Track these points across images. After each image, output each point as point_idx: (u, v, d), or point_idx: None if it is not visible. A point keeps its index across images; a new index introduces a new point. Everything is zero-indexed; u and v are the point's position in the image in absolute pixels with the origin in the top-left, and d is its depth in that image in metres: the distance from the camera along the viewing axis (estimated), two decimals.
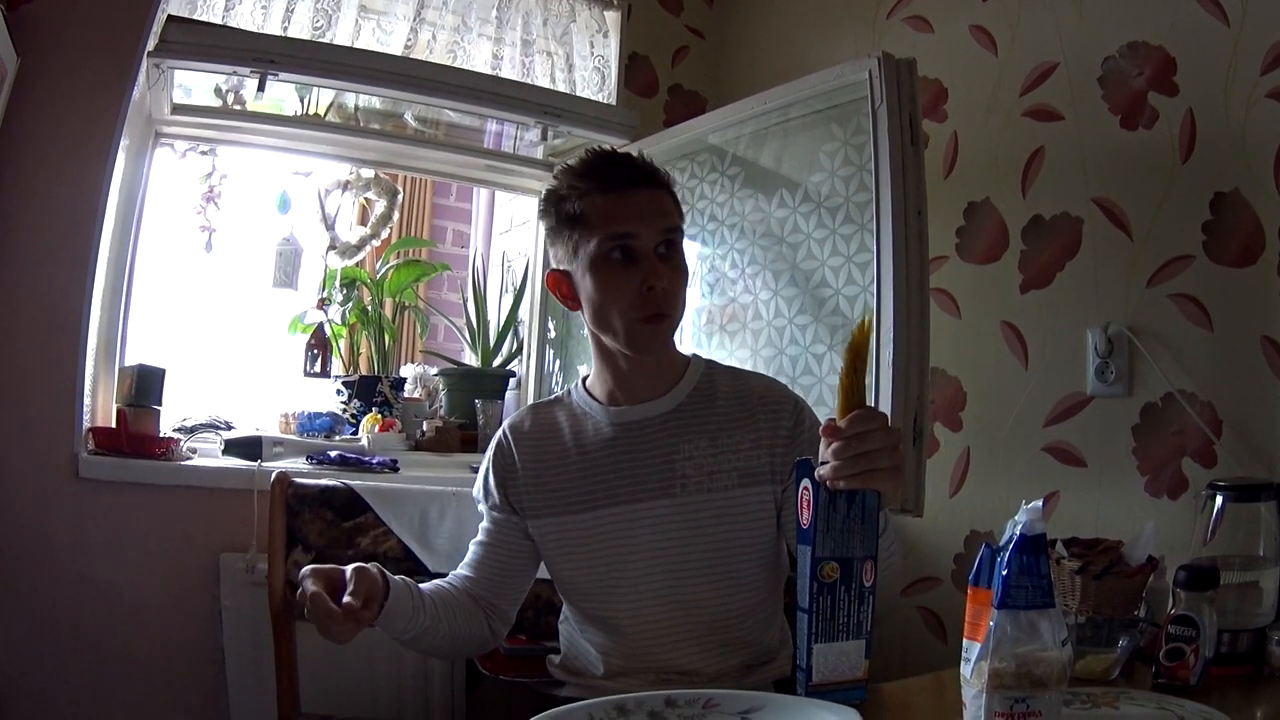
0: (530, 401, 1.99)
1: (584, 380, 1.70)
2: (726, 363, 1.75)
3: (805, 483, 1.26)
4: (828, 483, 1.22)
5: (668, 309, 1.53)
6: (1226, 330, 2.02)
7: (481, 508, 1.71)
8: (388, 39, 2.80)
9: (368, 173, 3.32)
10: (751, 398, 1.64)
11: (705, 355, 1.75)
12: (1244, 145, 1.99)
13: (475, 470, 2.60)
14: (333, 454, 2.56)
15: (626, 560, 1.55)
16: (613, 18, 3.17)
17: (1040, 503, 1.05)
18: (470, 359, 3.40)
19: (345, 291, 3.24)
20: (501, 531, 1.66)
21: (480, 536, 1.69)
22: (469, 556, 1.69)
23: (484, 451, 2.86)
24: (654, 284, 1.49)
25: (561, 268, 1.59)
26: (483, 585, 1.65)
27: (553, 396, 1.76)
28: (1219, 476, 1.82)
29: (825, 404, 2.24)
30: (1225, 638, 1.49)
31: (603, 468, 1.59)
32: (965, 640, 1.07)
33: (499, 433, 1.71)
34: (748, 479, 1.57)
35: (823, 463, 1.23)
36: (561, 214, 1.55)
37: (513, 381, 3.22)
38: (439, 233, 4.26)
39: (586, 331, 1.63)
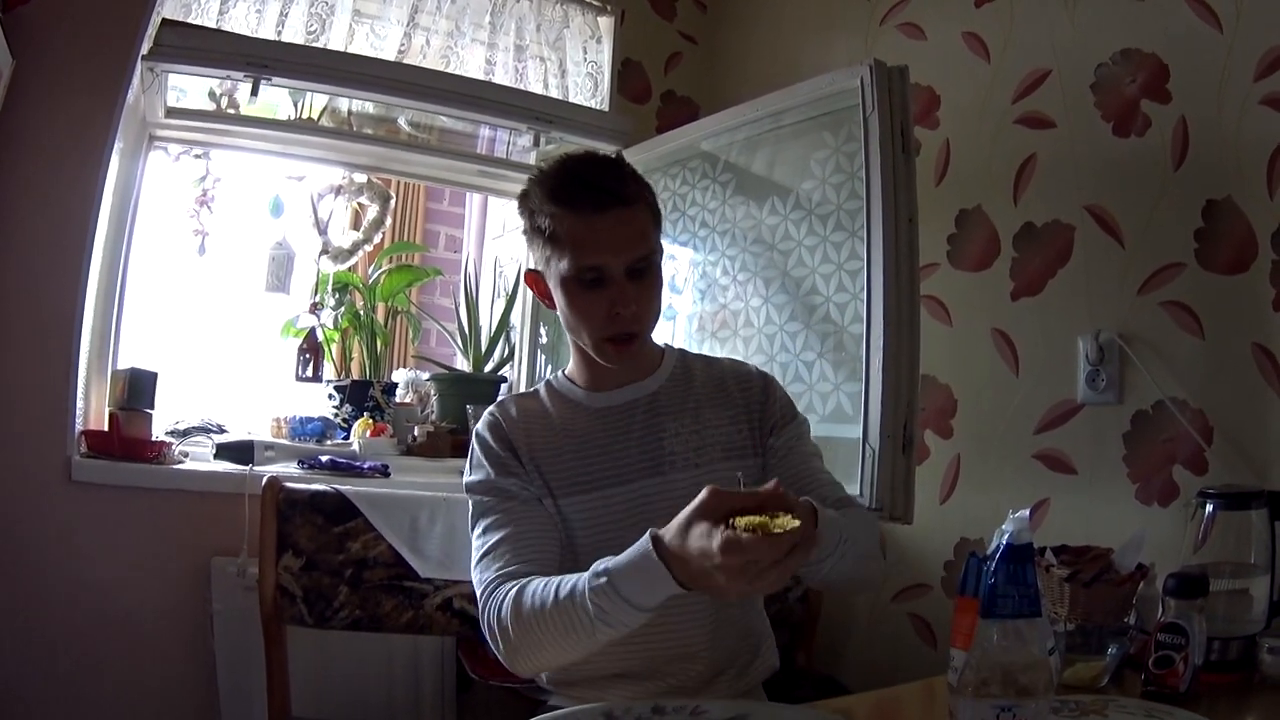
0: None
1: (562, 371, 1.70)
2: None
3: None
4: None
5: (635, 329, 1.54)
6: (1218, 338, 2.02)
7: (476, 499, 1.56)
8: (381, 44, 2.81)
9: (360, 177, 3.31)
10: (725, 377, 1.68)
11: None
12: (1237, 152, 1.99)
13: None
14: (324, 459, 2.56)
15: (616, 542, 1.51)
16: (606, 23, 3.17)
17: (1027, 512, 1.05)
18: (462, 364, 3.40)
19: (337, 296, 3.24)
20: (532, 503, 1.53)
21: (507, 529, 1.49)
22: (508, 554, 1.47)
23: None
24: (621, 310, 1.50)
25: (537, 268, 1.60)
26: (551, 568, 1.47)
27: (530, 390, 1.73)
28: (1210, 484, 1.82)
29: (815, 411, 2.25)
30: (1215, 645, 1.49)
31: (591, 452, 1.58)
32: (952, 649, 1.07)
33: (486, 417, 1.64)
34: (731, 452, 1.59)
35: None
36: (533, 225, 1.55)
37: (504, 387, 3.22)
38: (431, 238, 4.26)
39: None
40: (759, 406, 1.63)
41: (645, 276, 1.53)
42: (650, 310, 1.56)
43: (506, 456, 1.57)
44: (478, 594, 1.47)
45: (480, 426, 1.63)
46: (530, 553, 1.47)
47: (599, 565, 1.30)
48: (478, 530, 1.54)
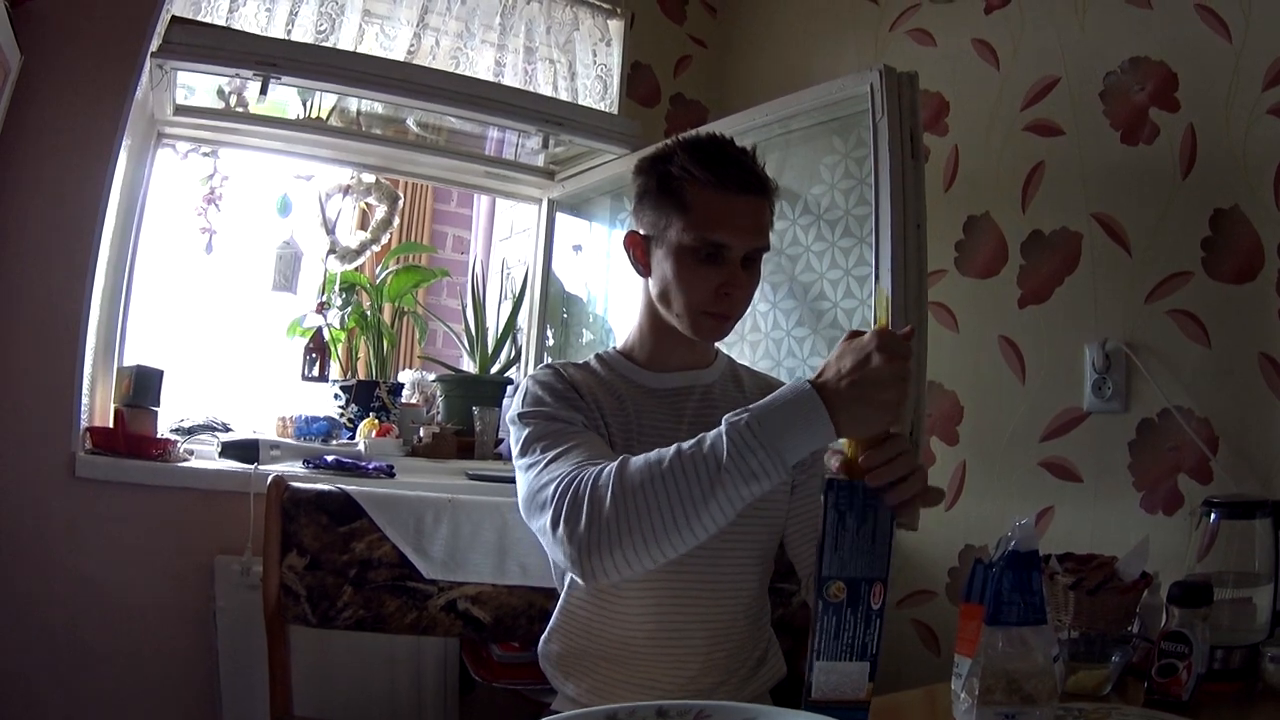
0: None
1: (612, 347, 1.69)
2: None
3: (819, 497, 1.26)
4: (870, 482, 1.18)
5: (735, 311, 1.57)
6: (1224, 347, 2.02)
7: (531, 425, 1.46)
8: (391, 44, 2.81)
9: (369, 177, 3.32)
10: (775, 389, 1.67)
11: None
12: (1244, 162, 1.99)
13: (472, 477, 2.62)
14: (329, 458, 2.55)
15: None
16: (615, 26, 3.18)
17: (1032, 519, 1.05)
18: (468, 366, 3.40)
19: (344, 296, 3.24)
20: (596, 437, 1.47)
21: (577, 441, 1.41)
22: (588, 454, 1.37)
23: (480, 456, 2.91)
24: (731, 291, 1.52)
25: (643, 232, 1.59)
26: None
27: (579, 361, 1.68)
28: (1214, 493, 1.82)
29: None
30: (1218, 654, 1.49)
31: (643, 426, 1.56)
32: (956, 655, 1.07)
33: (542, 369, 1.59)
34: None
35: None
36: (664, 188, 1.53)
37: (510, 389, 3.22)
38: (439, 238, 4.27)
39: (642, 298, 1.62)
40: None
41: (753, 268, 1.56)
42: (749, 300, 1.58)
43: (572, 395, 1.53)
44: (551, 490, 1.31)
45: (537, 374, 1.59)
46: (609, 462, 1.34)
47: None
48: (534, 450, 1.42)
